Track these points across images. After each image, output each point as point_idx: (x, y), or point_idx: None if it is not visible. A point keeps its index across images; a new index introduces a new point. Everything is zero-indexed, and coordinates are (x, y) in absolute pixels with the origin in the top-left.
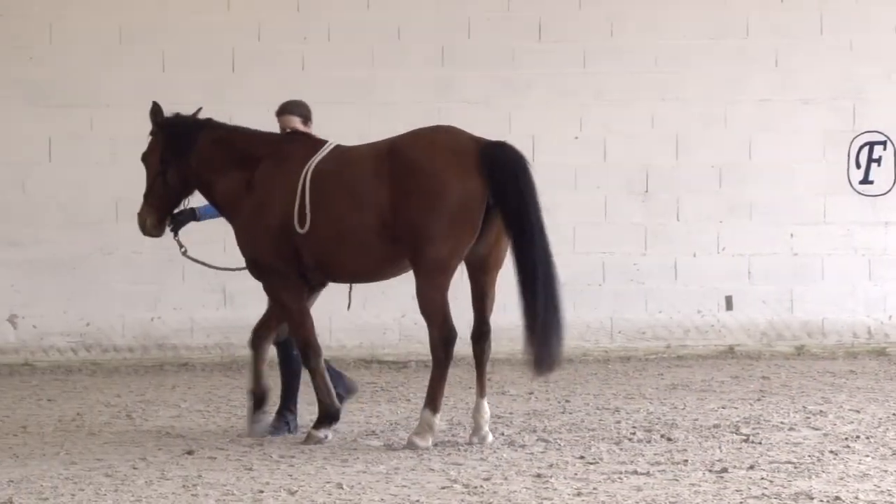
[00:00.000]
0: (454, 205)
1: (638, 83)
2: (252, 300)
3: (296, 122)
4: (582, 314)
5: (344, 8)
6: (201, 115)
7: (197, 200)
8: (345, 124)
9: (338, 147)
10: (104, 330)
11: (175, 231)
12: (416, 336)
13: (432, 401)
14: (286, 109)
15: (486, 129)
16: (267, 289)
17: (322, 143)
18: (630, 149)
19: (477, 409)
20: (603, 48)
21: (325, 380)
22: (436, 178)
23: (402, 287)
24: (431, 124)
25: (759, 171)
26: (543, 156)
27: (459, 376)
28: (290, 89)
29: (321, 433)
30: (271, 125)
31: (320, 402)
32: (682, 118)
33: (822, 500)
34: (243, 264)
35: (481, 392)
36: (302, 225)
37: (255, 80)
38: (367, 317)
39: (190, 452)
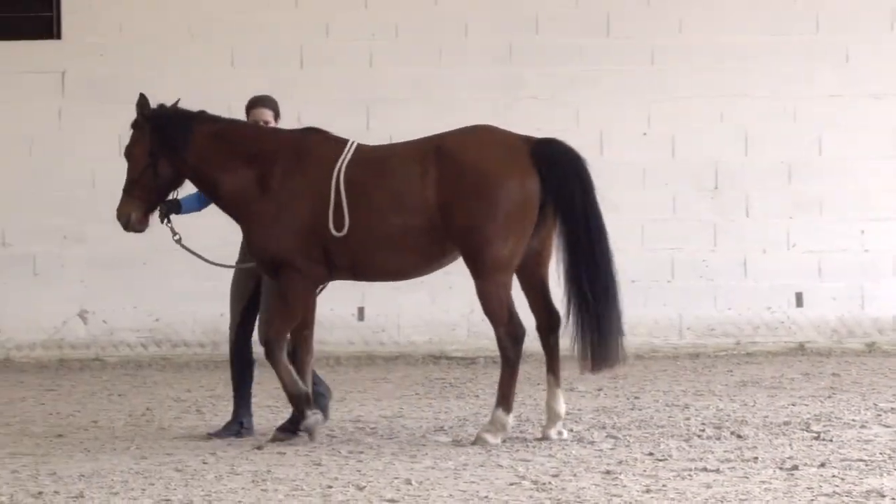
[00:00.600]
0: (512, 204)
1: (706, 79)
2: (320, 296)
3: (269, 116)
4: (651, 311)
5: (412, 5)
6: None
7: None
8: (411, 122)
9: (363, 146)
10: (174, 325)
11: (166, 218)
12: (484, 332)
13: (504, 399)
14: (260, 102)
15: (553, 125)
16: (282, 285)
17: (343, 141)
18: (698, 145)
19: (555, 399)
20: (671, 44)
21: (288, 370)
22: (491, 178)
23: (471, 283)
24: (498, 121)
25: (828, 166)
26: (611, 152)
27: (528, 372)
28: (358, 86)
29: (310, 421)
30: (339, 122)
31: (289, 395)
32: (751, 114)
33: (893, 498)
34: (235, 260)
35: (558, 382)
36: (339, 228)
37: (323, 78)
38: (435, 313)
39: (259, 447)
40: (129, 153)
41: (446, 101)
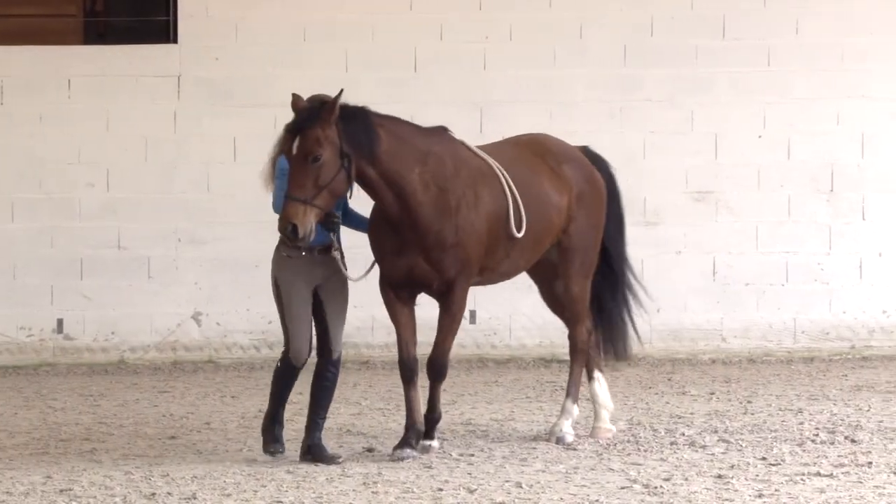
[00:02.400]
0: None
1: (823, 81)
2: (431, 299)
3: None
4: (765, 314)
5: (526, 7)
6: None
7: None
8: (526, 124)
9: (477, 146)
10: None
11: (336, 233)
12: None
13: (577, 391)
14: None
15: (667, 127)
16: (458, 298)
17: (458, 140)
18: (815, 147)
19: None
20: (787, 45)
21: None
22: (600, 185)
23: None
24: (614, 123)
25: None
26: (726, 154)
27: (640, 376)
28: (472, 89)
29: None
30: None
31: (436, 416)
32: (869, 116)
33: None
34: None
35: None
36: (519, 229)
37: (437, 80)
38: (547, 315)
39: (370, 450)
40: (315, 156)
41: (561, 104)
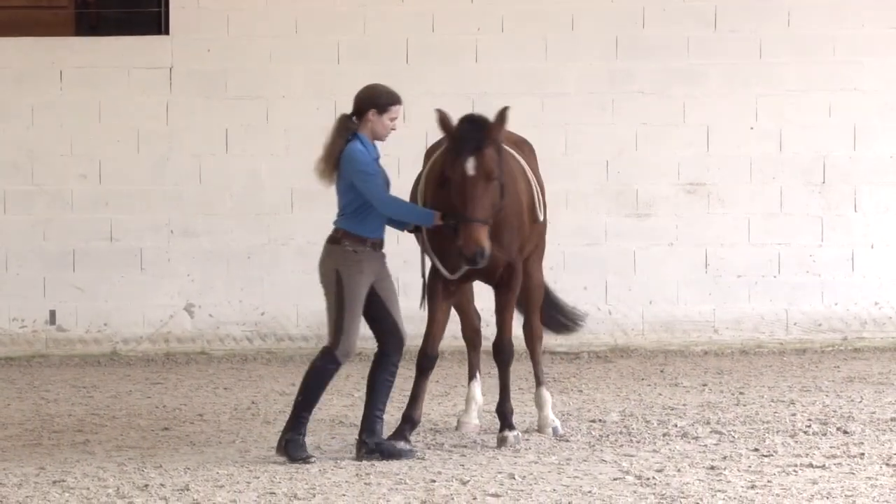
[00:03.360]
0: None
1: (815, 73)
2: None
3: None
4: (757, 306)
5: None
6: None
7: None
8: (518, 116)
9: None
10: (279, 319)
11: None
12: (588, 327)
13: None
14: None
15: (659, 119)
16: (519, 275)
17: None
18: (806, 139)
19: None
20: (779, 37)
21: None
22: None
23: (574, 280)
24: (605, 115)
25: None
26: (718, 146)
27: (632, 367)
28: (464, 80)
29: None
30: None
31: (509, 408)
32: (861, 108)
33: None
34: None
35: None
36: (542, 213)
37: (429, 72)
38: None
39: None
40: (494, 176)
41: (552, 96)
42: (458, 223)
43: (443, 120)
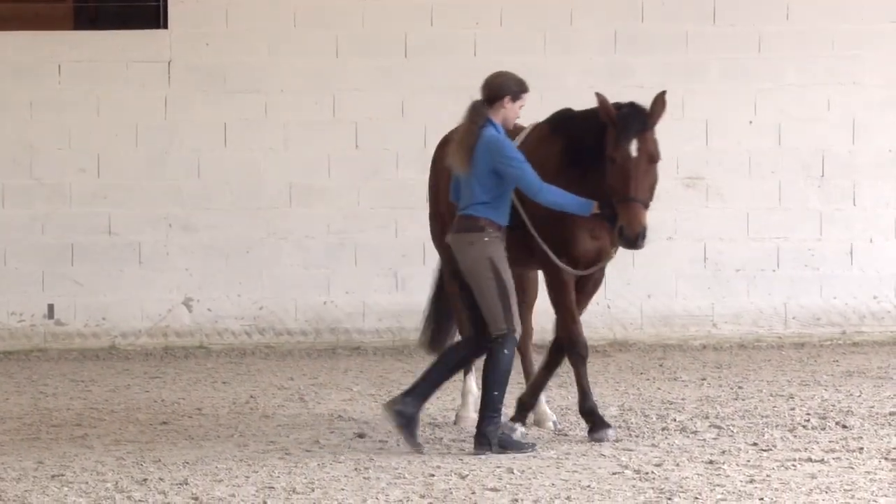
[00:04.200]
0: None
1: (814, 67)
2: (424, 285)
3: None
4: (756, 300)
5: None
6: None
7: None
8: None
9: None
10: (277, 313)
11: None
12: (587, 322)
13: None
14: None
15: None
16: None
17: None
18: (806, 133)
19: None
20: (779, 32)
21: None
22: None
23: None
24: None
25: None
26: (717, 140)
27: (631, 362)
28: (462, 74)
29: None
30: (444, 111)
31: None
32: (860, 102)
33: None
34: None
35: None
36: None
37: (428, 66)
38: (539, 301)
39: (361, 436)
40: (655, 158)
41: (552, 90)
42: (618, 204)
43: (603, 104)
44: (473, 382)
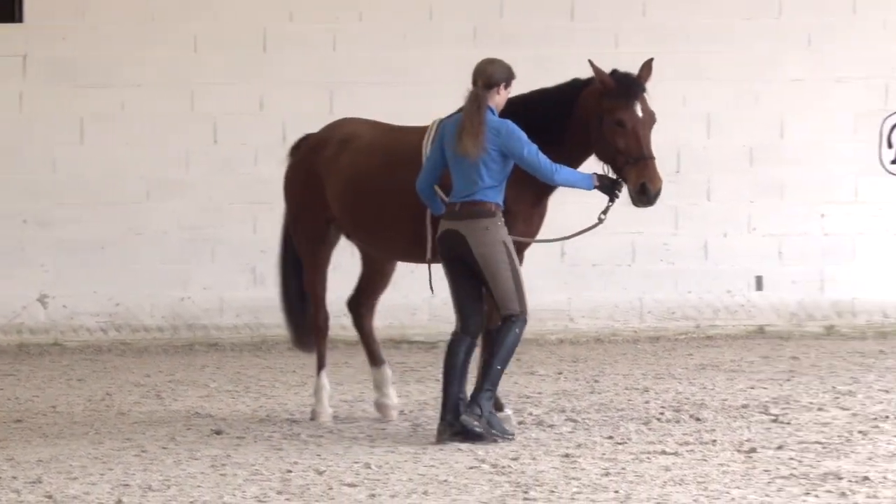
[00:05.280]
0: None
1: (670, 62)
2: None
3: None
4: (611, 295)
5: None
6: None
7: None
8: (377, 105)
9: None
10: (133, 310)
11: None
12: (445, 316)
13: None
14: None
15: None
16: None
17: None
18: (661, 128)
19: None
20: (635, 27)
21: None
22: None
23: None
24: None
25: (790, 150)
26: None
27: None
28: (322, 69)
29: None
30: (303, 106)
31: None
32: (714, 98)
33: (850, 480)
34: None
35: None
36: None
37: (287, 61)
38: (396, 297)
39: (218, 432)
40: (655, 119)
41: (411, 85)
42: (632, 165)
43: (598, 71)
44: (326, 378)
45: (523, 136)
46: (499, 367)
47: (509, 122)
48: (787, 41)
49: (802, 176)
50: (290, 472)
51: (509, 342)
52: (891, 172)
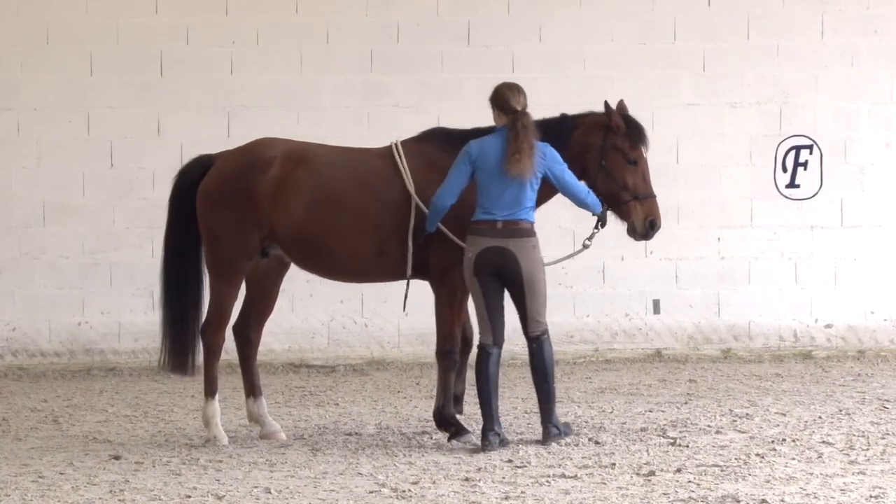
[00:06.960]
0: None
1: (566, 87)
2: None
3: None
4: (509, 318)
5: (273, 11)
6: None
7: None
8: (274, 129)
9: None
10: (30, 334)
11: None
12: (344, 340)
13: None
14: None
15: (415, 132)
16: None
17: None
18: None
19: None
20: (532, 52)
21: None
22: None
23: (332, 291)
24: (361, 128)
25: (686, 174)
26: None
27: (388, 380)
28: (219, 93)
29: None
30: (201, 129)
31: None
32: None
33: (748, 503)
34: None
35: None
36: None
37: (184, 84)
38: (295, 321)
39: (117, 457)
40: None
41: (308, 109)
42: (639, 201)
43: (610, 112)
44: (217, 403)
45: (560, 158)
46: (554, 385)
47: (549, 146)
48: (681, 66)
49: (698, 200)
50: (189, 497)
51: (551, 358)
52: (786, 196)
